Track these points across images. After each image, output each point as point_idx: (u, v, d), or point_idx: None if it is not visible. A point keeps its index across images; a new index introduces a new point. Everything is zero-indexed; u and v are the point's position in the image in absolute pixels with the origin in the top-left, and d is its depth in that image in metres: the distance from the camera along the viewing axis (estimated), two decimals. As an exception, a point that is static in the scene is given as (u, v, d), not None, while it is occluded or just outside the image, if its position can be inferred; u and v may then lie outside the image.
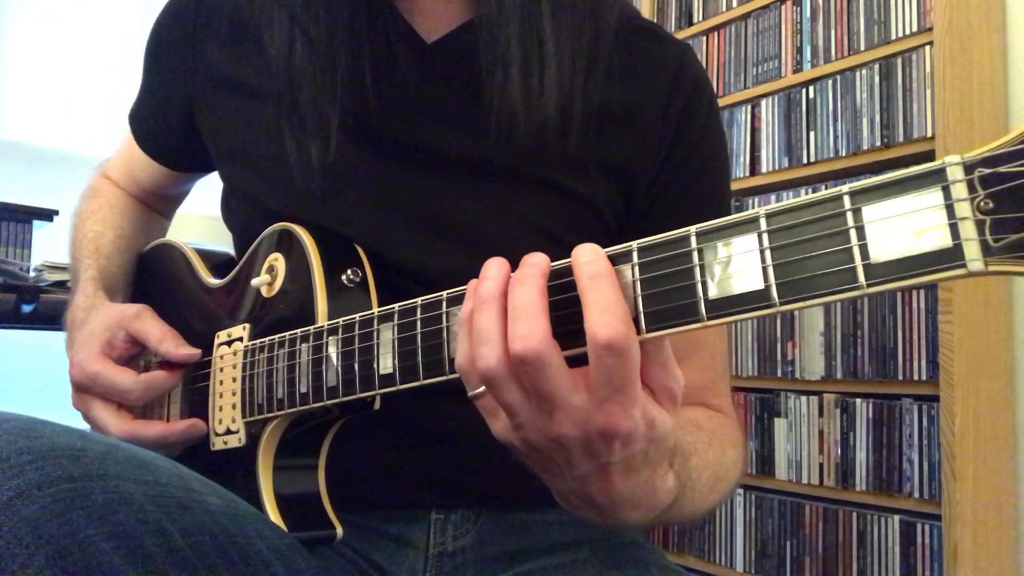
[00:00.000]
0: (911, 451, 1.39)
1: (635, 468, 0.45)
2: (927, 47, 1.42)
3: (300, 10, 0.65)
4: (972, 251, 0.33)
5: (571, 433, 0.43)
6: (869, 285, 0.36)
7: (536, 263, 0.44)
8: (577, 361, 0.43)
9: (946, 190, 0.34)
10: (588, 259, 0.42)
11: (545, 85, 0.63)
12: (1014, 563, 1.36)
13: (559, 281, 0.45)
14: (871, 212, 0.36)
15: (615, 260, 0.44)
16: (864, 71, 1.52)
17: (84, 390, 0.70)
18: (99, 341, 0.70)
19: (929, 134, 1.40)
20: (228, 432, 0.66)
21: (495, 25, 0.63)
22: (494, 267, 0.45)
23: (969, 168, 0.34)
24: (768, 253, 0.39)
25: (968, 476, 1.30)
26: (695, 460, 0.55)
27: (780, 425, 1.59)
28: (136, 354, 0.73)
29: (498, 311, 0.43)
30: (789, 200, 0.38)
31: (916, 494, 1.37)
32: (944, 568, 1.31)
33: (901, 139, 1.45)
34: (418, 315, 0.51)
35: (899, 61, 1.46)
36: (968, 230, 0.33)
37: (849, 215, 0.37)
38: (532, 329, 0.41)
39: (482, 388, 0.45)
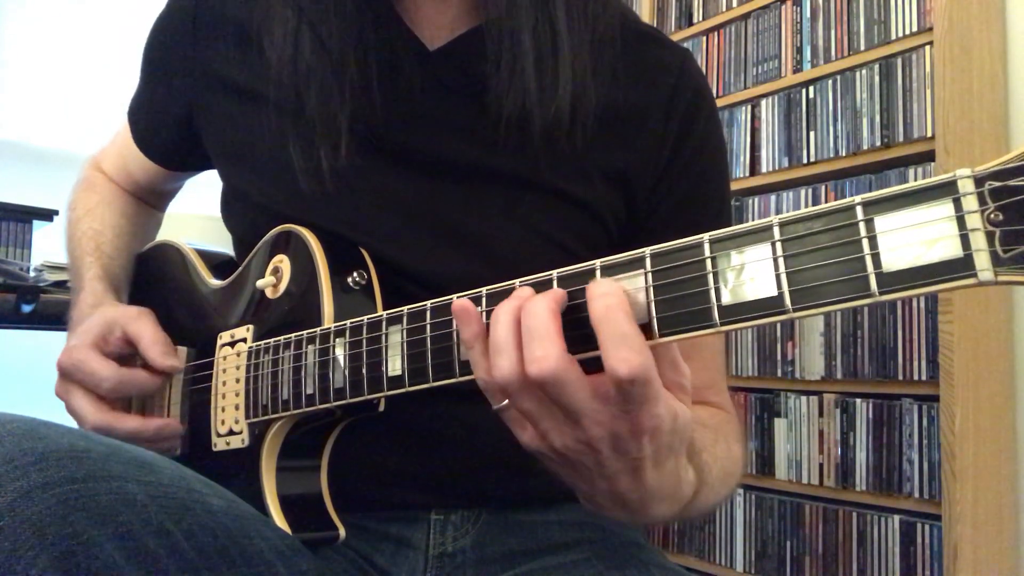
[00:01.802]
0: (911, 451, 1.39)
1: (662, 460, 0.46)
2: (927, 47, 1.43)
3: (311, 12, 0.65)
4: (982, 261, 0.34)
5: (599, 434, 0.44)
6: (881, 293, 0.36)
7: (552, 292, 0.45)
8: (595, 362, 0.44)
9: (957, 202, 0.35)
10: (601, 291, 0.43)
11: (560, 77, 0.64)
12: (1014, 563, 1.36)
13: (571, 288, 0.45)
14: (883, 223, 0.37)
15: (628, 267, 0.44)
16: (864, 71, 1.52)
17: (67, 376, 0.70)
18: (94, 334, 0.70)
19: (929, 134, 1.41)
20: (231, 433, 0.66)
21: (504, 24, 0.63)
22: (518, 291, 0.46)
23: (980, 181, 0.34)
24: (782, 261, 0.39)
25: (968, 476, 1.30)
26: (705, 456, 0.56)
27: (780, 425, 1.59)
28: (130, 355, 0.72)
29: (512, 323, 0.44)
30: (802, 210, 0.39)
31: (916, 494, 1.38)
32: (944, 568, 1.32)
33: (901, 139, 1.45)
34: (427, 318, 0.52)
35: (899, 61, 1.46)
36: (979, 241, 0.34)
37: (862, 225, 0.37)
38: (547, 351, 0.42)
39: (507, 401, 0.46)
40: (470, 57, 0.67)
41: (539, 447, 0.47)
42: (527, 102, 0.63)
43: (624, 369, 0.40)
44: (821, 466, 1.52)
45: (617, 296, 0.42)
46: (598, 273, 0.45)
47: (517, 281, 0.48)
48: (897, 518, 1.40)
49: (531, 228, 0.68)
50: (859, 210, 0.37)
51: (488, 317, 0.49)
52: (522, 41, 0.63)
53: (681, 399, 0.46)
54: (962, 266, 0.35)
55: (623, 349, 0.41)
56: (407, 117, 0.68)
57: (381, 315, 0.55)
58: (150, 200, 0.94)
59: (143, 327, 0.71)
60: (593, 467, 0.46)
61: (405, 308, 0.53)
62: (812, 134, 1.59)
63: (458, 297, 0.50)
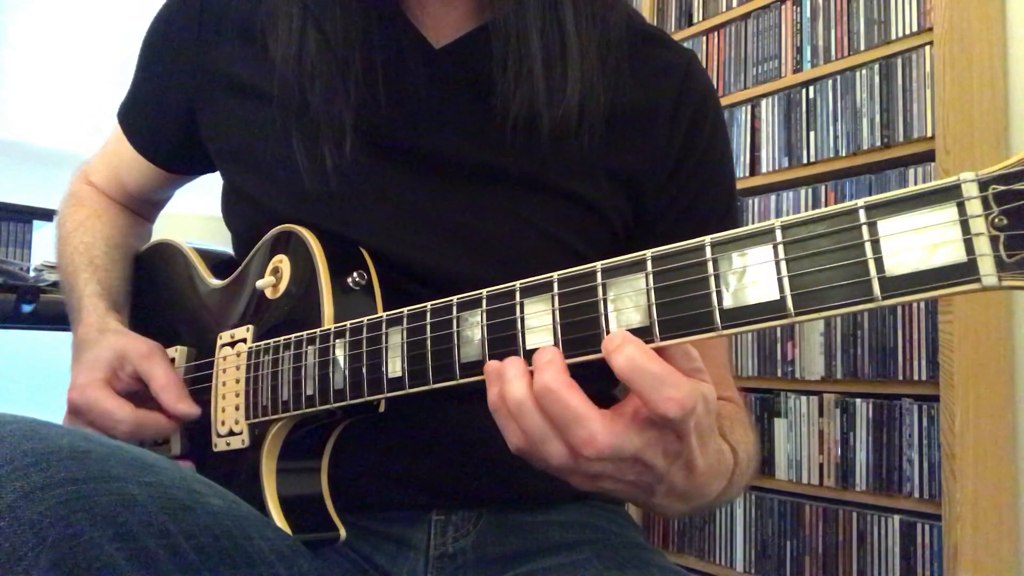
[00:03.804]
0: (911, 451, 1.39)
1: (705, 442, 0.47)
2: (927, 47, 1.42)
3: (315, 8, 0.65)
4: (986, 266, 0.34)
5: (653, 453, 0.45)
6: (884, 298, 0.36)
7: (550, 360, 0.44)
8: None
9: (961, 206, 0.35)
10: (615, 345, 0.43)
11: (568, 79, 0.63)
12: (1014, 563, 1.36)
13: (570, 289, 0.45)
14: (886, 226, 0.37)
15: (629, 269, 0.44)
16: (864, 71, 1.52)
17: (78, 414, 0.68)
18: (104, 369, 0.68)
19: (929, 134, 1.41)
20: (231, 433, 0.66)
21: (512, 24, 0.63)
22: (512, 368, 0.46)
23: (984, 185, 0.34)
24: (784, 264, 0.39)
25: (968, 476, 1.30)
26: (730, 438, 0.57)
27: (780, 425, 1.59)
28: (139, 391, 0.70)
29: (536, 411, 0.44)
30: (804, 213, 0.39)
31: (916, 494, 1.38)
32: (944, 568, 1.32)
33: (901, 139, 1.45)
34: (427, 319, 0.51)
35: (899, 61, 1.46)
36: (982, 245, 0.34)
37: (864, 229, 0.37)
38: (590, 431, 0.43)
39: None
40: (476, 56, 0.67)
41: (598, 487, 0.48)
42: (535, 104, 0.63)
43: (674, 409, 0.41)
44: (821, 466, 1.52)
45: (633, 343, 0.42)
46: (599, 275, 0.45)
47: (518, 283, 0.48)
48: (897, 518, 1.40)
49: (536, 228, 0.68)
50: (862, 213, 0.37)
51: (487, 318, 0.48)
52: (530, 42, 0.63)
53: (702, 379, 0.46)
54: (966, 271, 0.34)
55: (664, 390, 0.41)
56: (412, 116, 0.68)
57: (381, 316, 0.55)
58: (140, 210, 0.92)
59: (155, 367, 0.69)
60: (652, 480, 0.47)
61: (405, 309, 0.53)
62: (812, 134, 1.59)
63: (459, 298, 0.50)
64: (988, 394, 1.34)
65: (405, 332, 0.53)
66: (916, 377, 1.39)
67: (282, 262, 0.66)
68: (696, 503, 0.51)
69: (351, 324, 0.57)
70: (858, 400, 1.47)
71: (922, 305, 1.40)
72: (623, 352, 0.42)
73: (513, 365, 0.46)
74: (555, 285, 0.46)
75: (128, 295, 0.83)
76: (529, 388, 0.44)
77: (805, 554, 1.52)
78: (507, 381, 0.45)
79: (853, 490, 1.46)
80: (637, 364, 0.41)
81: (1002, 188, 0.34)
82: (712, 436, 0.48)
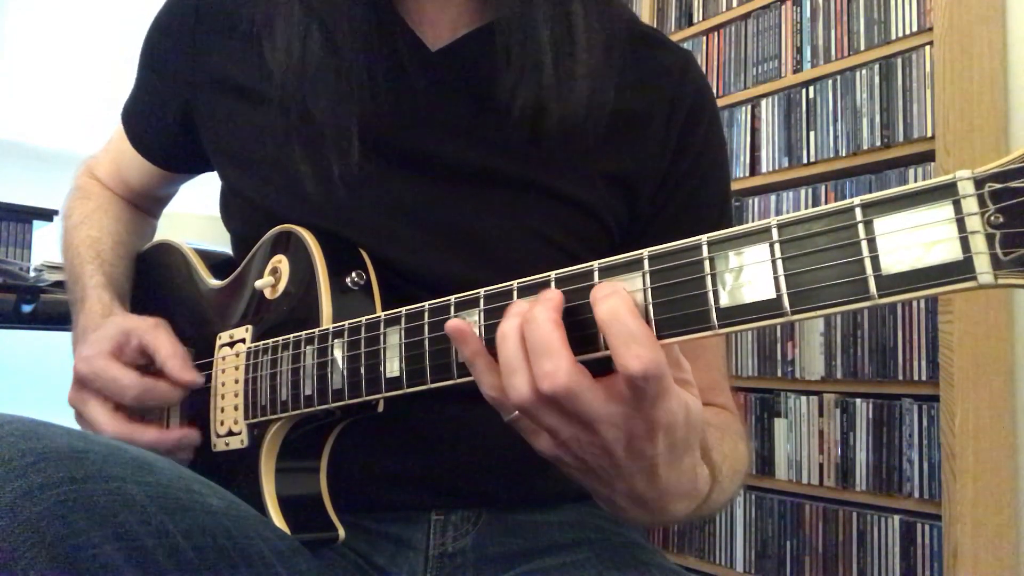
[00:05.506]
0: (911, 451, 1.39)
1: (678, 456, 0.47)
2: (927, 47, 1.43)
3: (323, 12, 0.65)
4: (982, 264, 0.34)
5: (615, 436, 0.44)
6: (880, 296, 0.36)
7: (549, 298, 0.45)
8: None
9: (957, 204, 0.35)
10: (604, 294, 0.43)
11: (578, 71, 0.63)
12: (1014, 563, 1.36)
13: (570, 288, 0.45)
14: (882, 224, 0.37)
15: (626, 268, 0.44)
16: (864, 71, 1.52)
17: (85, 384, 0.68)
18: (110, 343, 0.68)
19: (929, 134, 1.41)
20: (230, 433, 0.66)
21: (517, 19, 0.63)
22: (516, 306, 0.46)
23: (980, 183, 0.34)
24: (780, 263, 0.39)
25: (968, 476, 1.30)
26: (714, 454, 0.57)
27: (780, 425, 1.59)
28: (144, 365, 0.70)
29: (519, 342, 0.44)
30: (801, 211, 0.39)
31: (916, 494, 1.38)
32: (944, 568, 1.32)
33: (901, 139, 1.45)
34: (426, 319, 0.51)
35: (899, 61, 1.46)
36: (978, 244, 0.34)
37: (860, 227, 0.37)
38: (556, 365, 0.42)
39: (517, 412, 0.46)
40: (474, 56, 0.67)
41: (556, 454, 0.47)
42: (543, 96, 0.63)
43: (637, 366, 0.40)
44: (821, 466, 1.52)
45: (620, 296, 0.42)
46: (596, 275, 0.45)
47: (515, 282, 0.48)
48: (897, 518, 1.40)
49: (533, 230, 0.68)
50: (858, 211, 0.37)
51: (485, 318, 0.49)
52: (539, 34, 0.62)
53: (690, 392, 0.46)
54: (962, 269, 0.34)
55: (633, 346, 0.41)
56: (409, 118, 0.68)
57: (379, 316, 0.55)
58: (145, 206, 0.93)
59: (160, 339, 0.69)
60: (610, 469, 0.46)
61: (403, 309, 0.53)
62: (812, 134, 1.59)
63: (456, 298, 0.50)
64: (988, 394, 1.34)
65: (403, 332, 0.53)
66: (916, 377, 1.39)
67: (281, 262, 0.66)
68: (658, 517, 0.51)
69: (349, 324, 0.57)
70: (858, 400, 1.47)
71: (922, 305, 1.40)
72: (608, 302, 0.42)
73: (519, 303, 0.46)
74: (552, 284, 0.46)
75: (130, 291, 0.83)
76: (520, 326, 0.44)
77: (805, 554, 1.52)
78: (510, 316, 0.45)
79: (853, 490, 1.46)
80: (617, 315, 0.41)
81: (998, 186, 0.33)
82: (688, 453, 0.47)
